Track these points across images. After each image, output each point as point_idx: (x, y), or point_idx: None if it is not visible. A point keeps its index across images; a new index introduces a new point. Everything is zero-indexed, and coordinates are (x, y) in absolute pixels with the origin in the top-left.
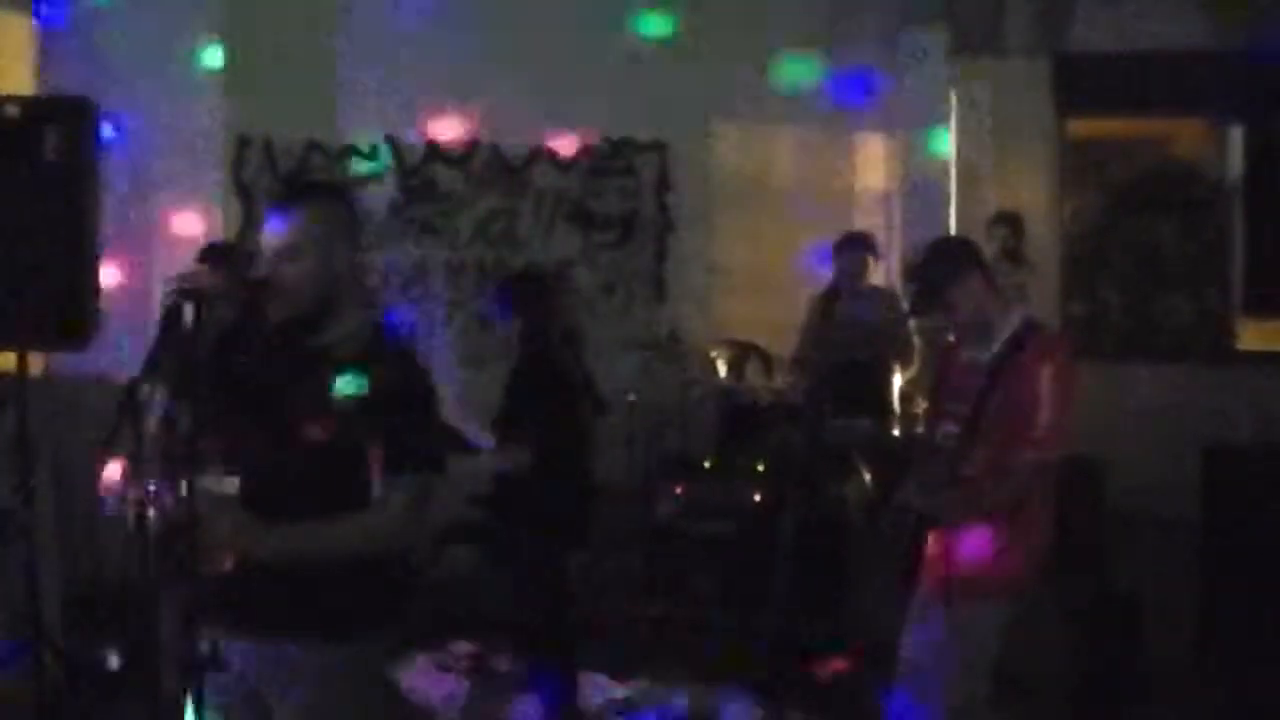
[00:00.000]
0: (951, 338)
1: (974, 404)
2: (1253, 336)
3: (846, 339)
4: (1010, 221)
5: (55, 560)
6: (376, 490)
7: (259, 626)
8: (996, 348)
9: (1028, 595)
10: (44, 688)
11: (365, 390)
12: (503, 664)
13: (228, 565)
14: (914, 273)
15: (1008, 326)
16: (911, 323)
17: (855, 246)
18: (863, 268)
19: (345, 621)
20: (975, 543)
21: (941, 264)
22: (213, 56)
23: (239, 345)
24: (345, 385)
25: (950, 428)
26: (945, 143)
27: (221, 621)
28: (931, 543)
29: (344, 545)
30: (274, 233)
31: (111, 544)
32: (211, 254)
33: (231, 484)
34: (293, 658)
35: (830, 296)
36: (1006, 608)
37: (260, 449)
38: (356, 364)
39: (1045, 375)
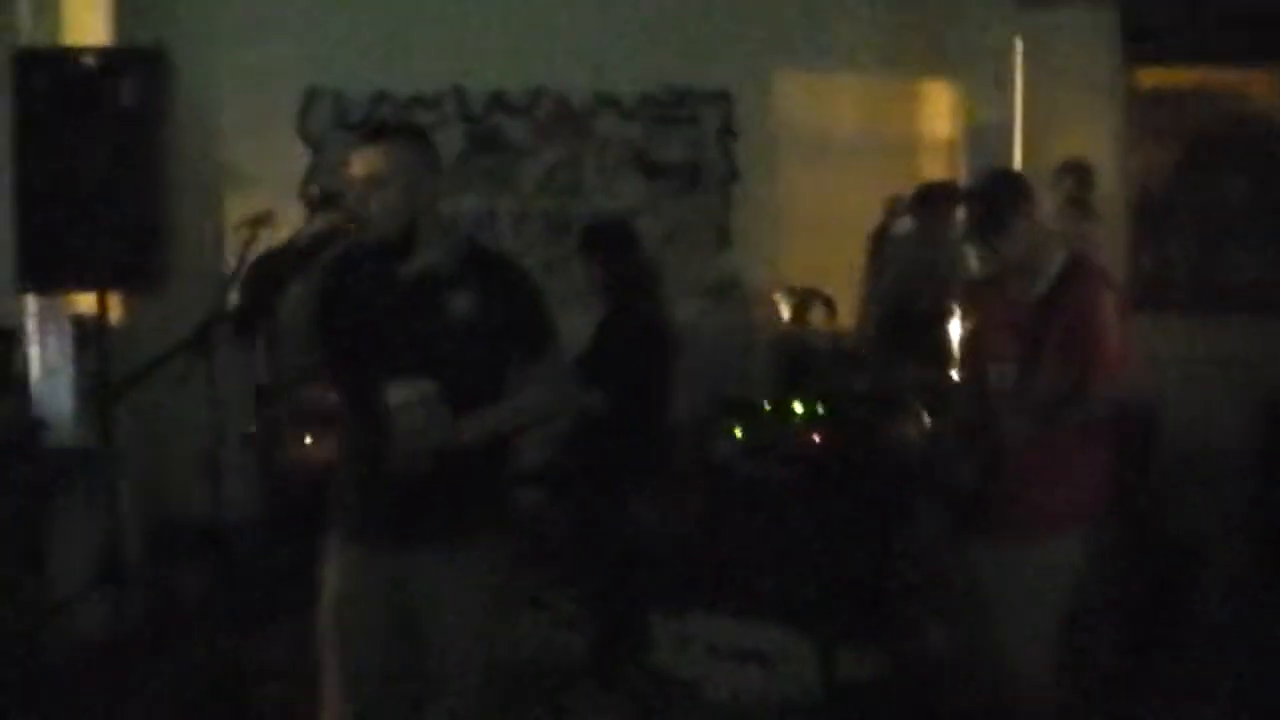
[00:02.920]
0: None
1: (1030, 341)
2: None
3: (910, 282)
4: (1077, 171)
5: (138, 496)
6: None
7: (415, 533)
8: (1044, 285)
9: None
10: (129, 620)
11: (476, 305)
12: (567, 601)
13: (423, 463)
14: (975, 197)
15: (1055, 263)
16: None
17: (942, 198)
18: (948, 219)
19: (488, 520)
20: (1051, 475)
21: (1007, 192)
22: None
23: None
24: (456, 304)
25: (1005, 367)
26: (1011, 90)
27: (362, 534)
28: (1005, 477)
29: (528, 420)
30: (362, 164)
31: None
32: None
33: (414, 390)
34: (447, 559)
35: (877, 241)
36: (1082, 544)
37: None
38: (463, 281)
39: (1106, 302)
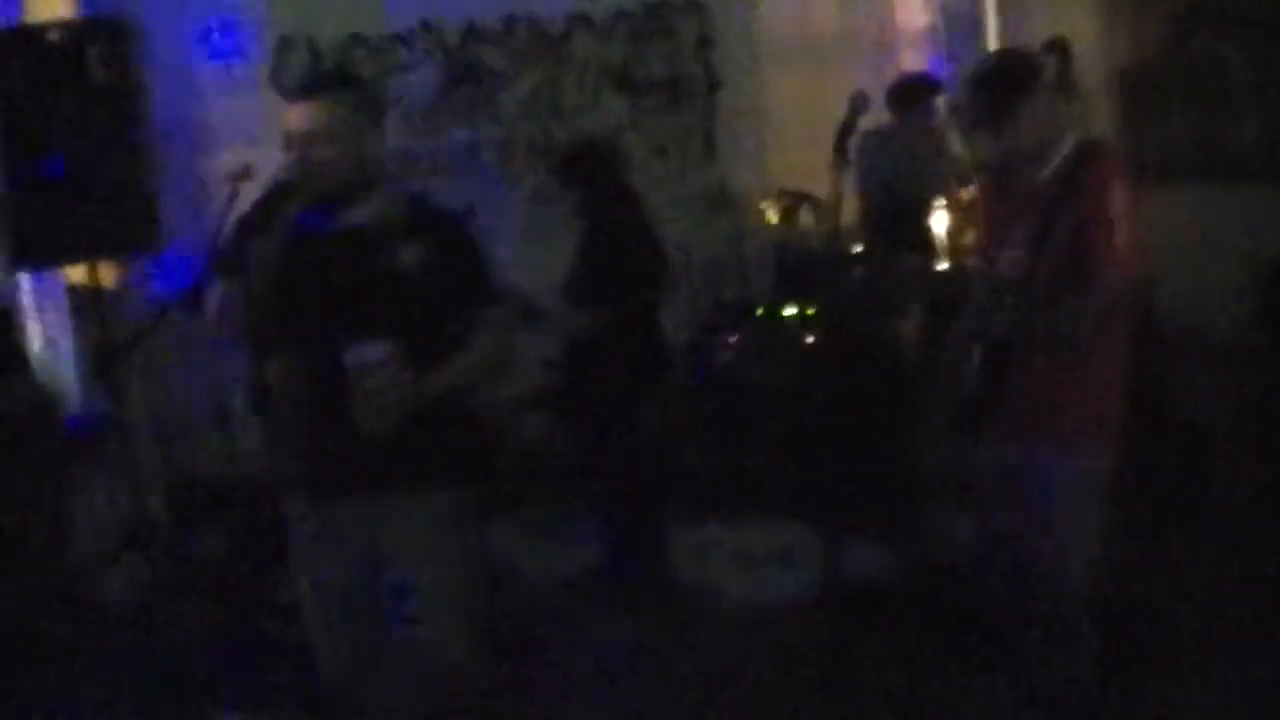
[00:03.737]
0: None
1: (1038, 227)
2: None
3: (897, 177)
4: (1058, 49)
5: (155, 458)
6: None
7: (374, 484)
8: (1050, 170)
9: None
10: (148, 580)
11: (421, 257)
12: (584, 522)
13: (389, 423)
14: (980, 82)
15: (1062, 149)
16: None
17: (925, 91)
18: (933, 112)
19: (447, 469)
20: (1083, 377)
21: (1015, 75)
22: None
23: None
24: (402, 256)
25: (1015, 253)
26: None
27: (324, 487)
28: (1023, 383)
29: (484, 370)
30: (299, 119)
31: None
32: None
33: (376, 350)
34: (407, 507)
35: (842, 137)
36: (1110, 457)
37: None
38: (407, 234)
39: (1117, 192)
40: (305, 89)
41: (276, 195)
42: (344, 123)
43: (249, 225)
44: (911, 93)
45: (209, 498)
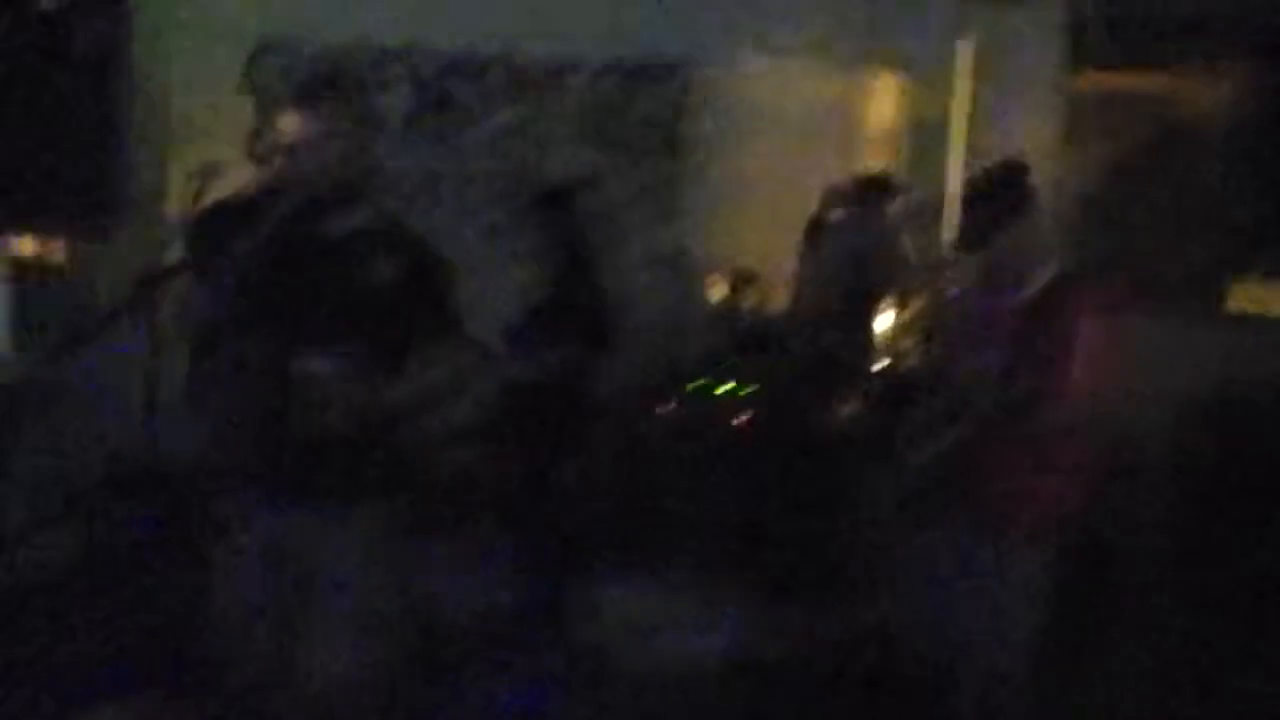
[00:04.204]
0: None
1: (1010, 346)
2: (1243, 296)
3: (846, 267)
4: (1016, 170)
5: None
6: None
7: (302, 493)
8: (1028, 292)
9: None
10: (80, 556)
11: (394, 275)
12: (502, 555)
13: (334, 435)
14: (975, 199)
15: (1043, 273)
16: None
17: (879, 190)
18: (884, 212)
19: (379, 486)
20: (1013, 479)
21: (1012, 192)
22: None
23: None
24: (375, 270)
25: (974, 365)
26: (954, 86)
27: (258, 490)
28: (979, 472)
29: (431, 400)
30: (294, 124)
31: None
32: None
33: (327, 362)
34: (334, 520)
35: (815, 226)
36: (1052, 548)
37: (296, 334)
38: (384, 250)
39: (1086, 326)
40: (301, 94)
41: (262, 198)
42: (336, 131)
43: (230, 224)
44: (867, 189)
45: (136, 481)
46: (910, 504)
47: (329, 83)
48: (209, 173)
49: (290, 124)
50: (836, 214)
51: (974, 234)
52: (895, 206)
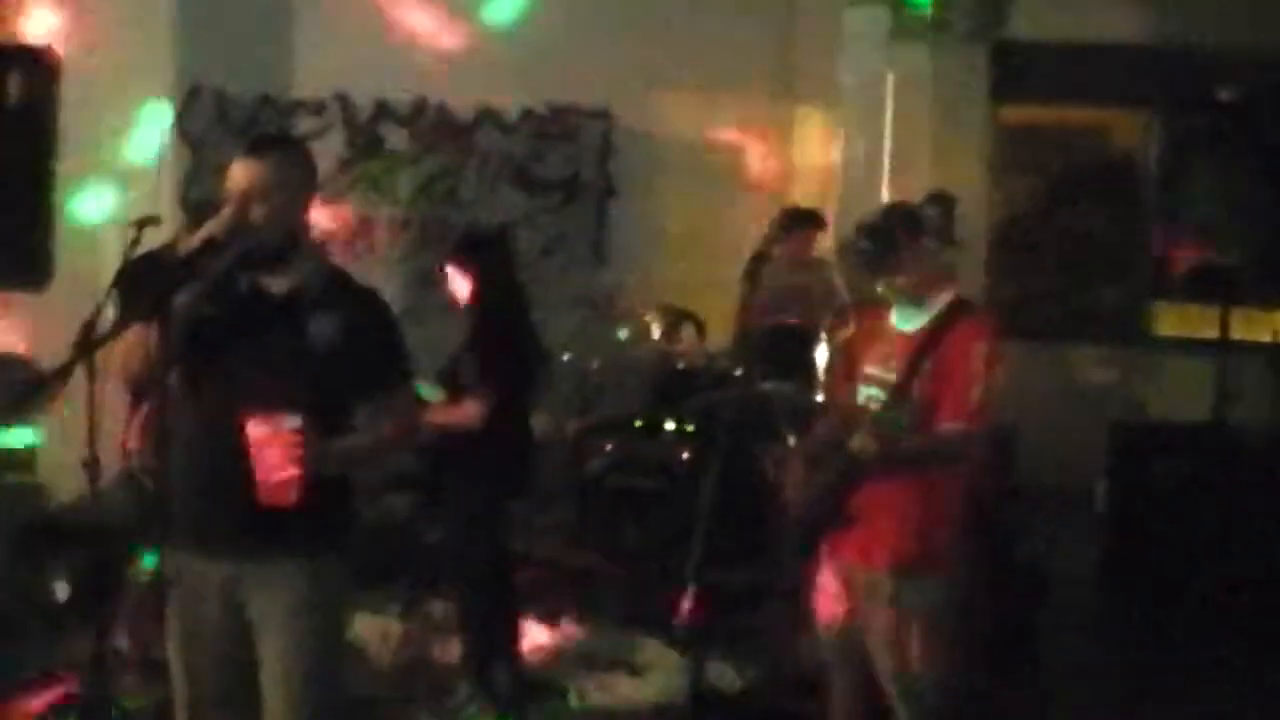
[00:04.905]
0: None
1: (904, 372)
2: (1168, 322)
3: (780, 305)
4: (942, 201)
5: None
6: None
7: (249, 546)
8: (928, 320)
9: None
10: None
11: (338, 331)
12: (437, 608)
13: (292, 496)
14: (867, 232)
15: (940, 300)
16: (840, 286)
17: (806, 223)
18: (806, 244)
19: (324, 538)
20: (922, 505)
21: (902, 226)
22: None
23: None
24: (319, 327)
25: (875, 391)
26: (883, 121)
27: (205, 545)
28: (871, 505)
29: (381, 452)
30: (243, 176)
31: (59, 479)
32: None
33: (293, 420)
34: (279, 571)
35: (756, 263)
36: (957, 580)
37: (243, 391)
38: (326, 306)
39: (980, 352)
40: (256, 145)
41: (206, 250)
42: (288, 183)
43: (172, 276)
44: (795, 225)
45: (55, 540)
46: (805, 539)
47: (279, 137)
48: (145, 223)
49: (236, 175)
50: (774, 250)
51: (867, 259)
52: (827, 241)
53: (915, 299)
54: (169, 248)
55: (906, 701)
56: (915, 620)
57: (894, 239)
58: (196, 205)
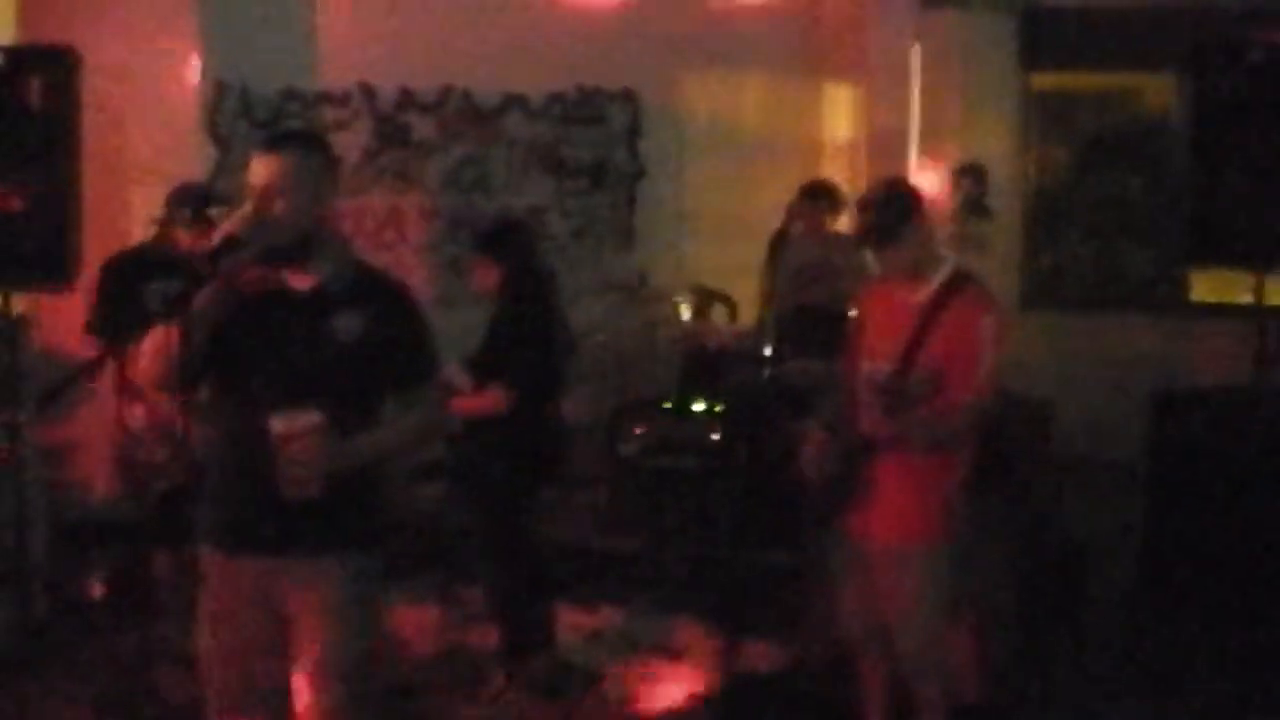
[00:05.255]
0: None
1: (909, 344)
2: (1204, 288)
3: (804, 282)
4: (974, 173)
5: (42, 493)
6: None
7: (285, 544)
8: (930, 292)
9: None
10: (30, 617)
11: (363, 327)
12: (472, 596)
13: (315, 490)
14: (869, 205)
15: (941, 273)
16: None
17: (816, 198)
18: (821, 219)
19: (358, 533)
20: (931, 480)
21: (898, 200)
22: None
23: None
24: (344, 323)
25: (880, 364)
26: (911, 93)
27: (238, 543)
28: (880, 480)
29: (407, 446)
30: (263, 172)
31: (97, 477)
32: (183, 196)
33: (315, 415)
34: (315, 568)
35: (777, 241)
36: (958, 548)
37: (270, 390)
38: (351, 302)
39: (986, 324)
40: (276, 141)
41: (228, 247)
42: (309, 179)
43: (196, 274)
44: (814, 199)
45: (93, 540)
46: (824, 512)
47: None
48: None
49: (256, 171)
50: (796, 227)
51: (865, 235)
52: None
53: (916, 272)
54: (153, 244)
55: (919, 672)
56: (926, 589)
57: (893, 213)
58: (177, 199)
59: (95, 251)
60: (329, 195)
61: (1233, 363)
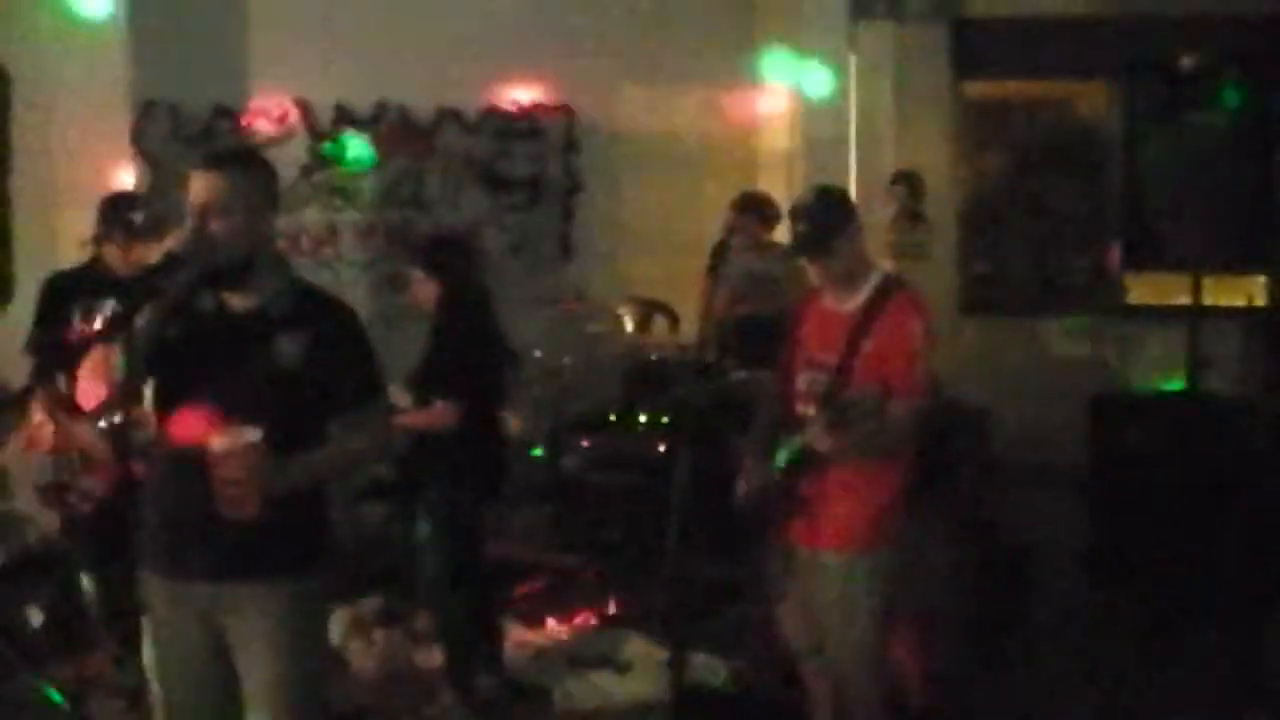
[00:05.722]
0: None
1: (843, 352)
2: (1141, 291)
3: (744, 293)
4: (909, 180)
5: None
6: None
7: (226, 569)
8: (861, 300)
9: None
10: None
11: (305, 349)
12: (417, 617)
13: (252, 509)
14: (801, 215)
15: (871, 280)
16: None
17: (746, 211)
18: (756, 231)
19: (301, 558)
20: (872, 487)
21: (831, 209)
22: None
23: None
24: (285, 346)
25: (817, 374)
26: (847, 104)
27: (180, 569)
28: (820, 490)
29: (351, 466)
30: (202, 190)
31: (32, 506)
32: (114, 206)
33: (252, 433)
34: (257, 594)
35: (718, 253)
36: (898, 553)
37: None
38: (293, 324)
39: (917, 329)
40: (216, 158)
41: (167, 267)
42: (249, 197)
43: (136, 293)
44: (747, 210)
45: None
46: (762, 522)
47: (240, 150)
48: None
49: (196, 189)
50: (737, 239)
51: (809, 243)
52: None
53: (849, 281)
54: (90, 265)
55: (857, 676)
56: (867, 596)
57: (825, 222)
58: (109, 208)
59: (27, 273)
60: (270, 214)
61: (1170, 365)
